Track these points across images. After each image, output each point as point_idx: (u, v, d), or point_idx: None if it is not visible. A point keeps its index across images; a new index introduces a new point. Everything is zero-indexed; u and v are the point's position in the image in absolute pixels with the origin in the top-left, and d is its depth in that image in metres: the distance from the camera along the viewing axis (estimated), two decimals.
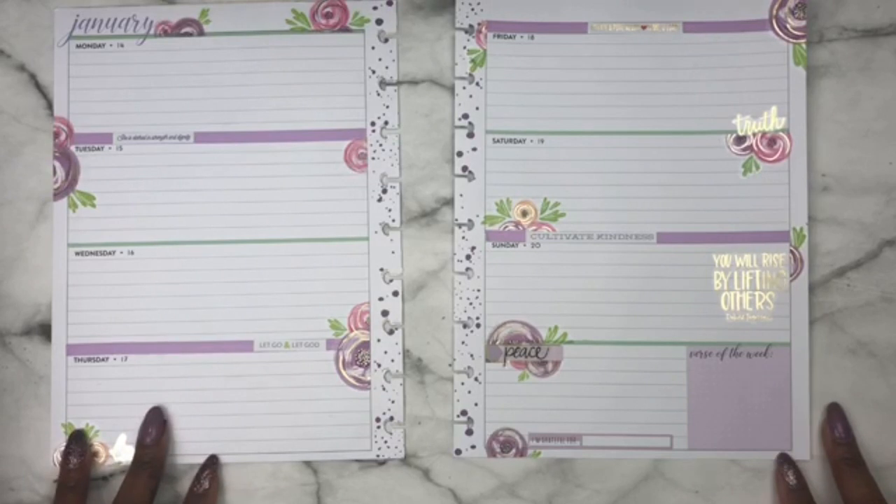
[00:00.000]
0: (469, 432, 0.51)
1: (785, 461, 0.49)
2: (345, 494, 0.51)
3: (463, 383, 0.51)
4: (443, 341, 0.51)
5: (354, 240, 0.51)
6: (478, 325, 0.51)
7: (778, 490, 0.49)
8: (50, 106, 0.52)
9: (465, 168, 0.52)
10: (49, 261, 0.51)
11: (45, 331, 0.51)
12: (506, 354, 0.51)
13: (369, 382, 0.51)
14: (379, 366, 0.51)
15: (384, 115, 0.52)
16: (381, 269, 0.51)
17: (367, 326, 0.51)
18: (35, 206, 0.52)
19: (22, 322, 0.51)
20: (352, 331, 0.51)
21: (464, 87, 0.52)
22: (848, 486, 0.47)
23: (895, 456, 0.50)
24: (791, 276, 0.51)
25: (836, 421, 0.49)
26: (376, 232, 0.51)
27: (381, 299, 0.51)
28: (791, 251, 0.51)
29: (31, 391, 0.51)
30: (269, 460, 0.50)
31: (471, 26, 0.52)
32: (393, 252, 0.51)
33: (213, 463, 0.50)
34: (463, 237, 0.51)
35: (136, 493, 0.47)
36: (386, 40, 0.52)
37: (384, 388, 0.51)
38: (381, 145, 0.52)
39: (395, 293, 0.51)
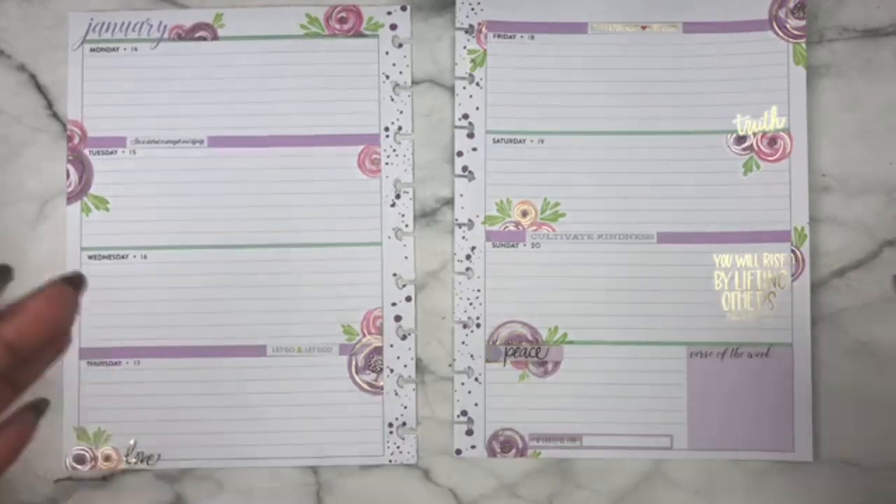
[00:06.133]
0: (469, 432, 0.51)
1: None
2: (345, 495, 0.51)
3: (463, 383, 0.51)
4: (443, 341, 0.51)
5: (368, 245, 0.51)
6: (478, 326, 0.51)
7: None
8: (50, 106, 0.52)
9: (465, 168, 0.52)
10: (50, 261, 0.51)
11: None
12: (506, 354, 0.51)
13: (382, 388, 0.51)
14: (391, 371, 0.51)
15: (398, 120, 0.52)
16: (395, 275, 0.51)
17: (380, 332, 0.51)
18: (35, 207, 0.52)
19: None
20: (364, 336, 0.51)
21: (464, 87, 0.52)
22: None
23: (895, 456, 0.50)
24: (793, 275, 0.51)
25: None
26: (389, 237, 0.51)
27: (393, 304, 0.51)
28: (793, 251, 0.51)
29: (32, 392, 0.51)
30: (282, 465, 0.50)
31: (471, 26, 0.52)
32: (406, 257, 0.51)
33: None
34: (463, 237, 0.51)
35: None
36: (400, 45, 0.52)
37: (397, 394, 0.51)
38: (394, 150, 0.52)
39: (408, 298, 0.51)
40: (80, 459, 0.50)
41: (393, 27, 0.52)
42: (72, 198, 0.52)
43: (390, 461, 0.51)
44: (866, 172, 0.51)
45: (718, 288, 0.51)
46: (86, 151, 0.52)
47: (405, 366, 0.51)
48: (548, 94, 0.52)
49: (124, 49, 0.52)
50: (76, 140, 0.52)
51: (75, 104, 0.52)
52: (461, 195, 0.51)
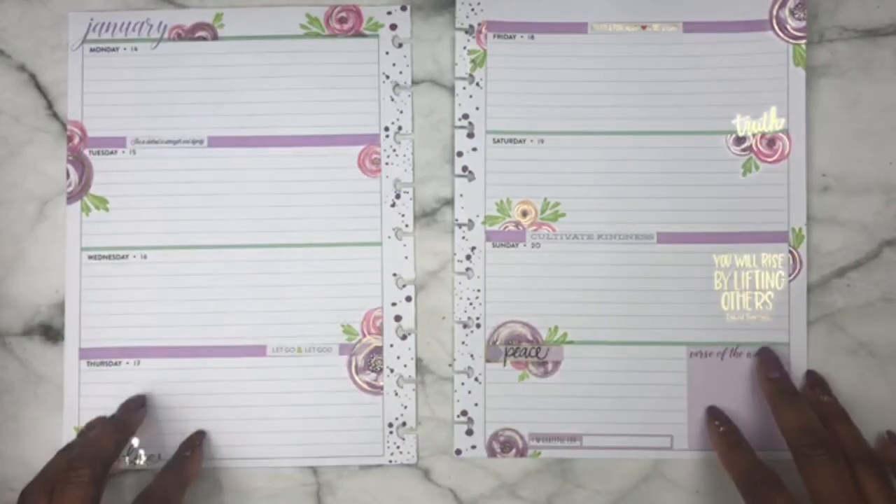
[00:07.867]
0: (469, 432, 0.51)
1: (714, 415, 0.50)
2: (345, 495, 0.51)
3: (463, 383, 0.51)
4: (443, 341, 0.51)
5: (368, 245, 0.51)
6: (478, 326, 0.51)
7: (713, 441, 0.49)
8: (50, 106, 0.52)
9: (465, 168, 0.52)
10: (49, 261, 0.51)
11: (45, 331, 0.51)
12: (506, 354, 0.51)
13: (382, 388, 0.51)
14: (392, 371, 0.51)
15: (398, 119, 0.52)
16: (395, 275, 0.51)
17: (380, 332, 0.51)
18: (35, 206, 0.52)
19: (22, 322, 0.51)
20: (364, 336, 0.51)
21: (464, 88, 0.52)
22: (781, 415, 0.47)
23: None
24: (790, 276, 0.51)
25: (769, 364, 0.49)
26: (389, 237, 0.51)
27: (393, 304, 0.51)
28: (790, 251, 0.51)
29: (31, 391, 0.51)
30: (282, 465, 0.50)
31: (471, 26, 0.52)
32: (406, 257, 0.51)
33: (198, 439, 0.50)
34: (463, 237, 0.51)
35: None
36: (400, 45, 0.52)
37: (397, 394, 0.51)
38: (394, 150, 0.52)
39: (408, 298, 0.51)
40: None
41: (393, 27, 0.52)
42: (72, 198, 0.52)
43: (390, 461, 0.51)
44: (866, 172, 0.51)
45: (718, 288, 0.51)
46: (86, 151, 0.52)
47: (405, 366, 0.51)
48: (548, 94, 0.52)
49: (124, 49, 0.52)
50: (76, 140, 0.52)
51: (75, 104, 0.52)
52: (461, 195, 0.52)
